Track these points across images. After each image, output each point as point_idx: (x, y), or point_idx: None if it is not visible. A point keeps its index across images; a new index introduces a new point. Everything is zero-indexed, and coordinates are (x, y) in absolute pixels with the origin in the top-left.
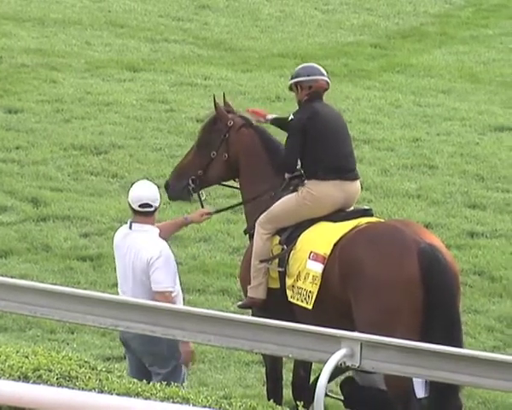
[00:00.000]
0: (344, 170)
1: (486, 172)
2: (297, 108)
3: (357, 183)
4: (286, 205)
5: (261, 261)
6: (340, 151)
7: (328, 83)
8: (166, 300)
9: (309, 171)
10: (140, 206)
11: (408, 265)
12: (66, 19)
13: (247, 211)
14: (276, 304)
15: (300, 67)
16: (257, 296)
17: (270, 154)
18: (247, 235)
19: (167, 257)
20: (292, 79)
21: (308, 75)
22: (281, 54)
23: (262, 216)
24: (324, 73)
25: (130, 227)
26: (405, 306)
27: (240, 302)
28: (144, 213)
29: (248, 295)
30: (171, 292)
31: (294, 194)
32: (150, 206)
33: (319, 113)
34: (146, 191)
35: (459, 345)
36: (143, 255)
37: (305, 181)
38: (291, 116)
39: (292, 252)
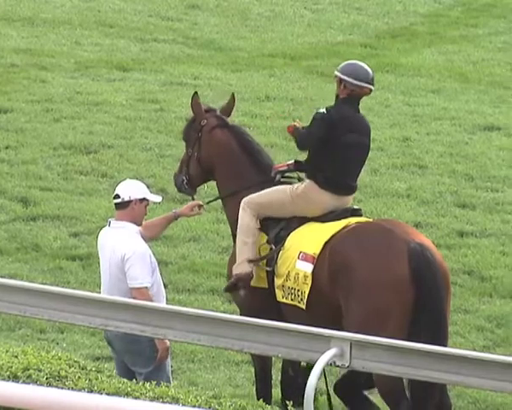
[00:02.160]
0: (344, 187)
1: (476, 171)
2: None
3: (353, 195)
4: (277, 194)
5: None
6: (349, 169)
7: (371, 90)
8: (143, 296)
9: (311, 171)
10: (113, 198)
11: (398, 264)
12: (56, 19)
13: (227, 211)
14: (263, 303)
15: (353, 64)
16: (242, 271)
17: (248, 153)
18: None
19: (142, 253)
20: (340, 72)
21: (356, 79)
22: (270, 54)
23: (250, 196)
24: (371, 80)
25: (109, 225)
26: (395, 305)
27: (225, 286)
28: (116, 206)
29: (234, 273)
30: (148, 288)
31: (289, 186)
32: (119, 196)
33: (349, 121)
34: (121, 185)
35: (443, 344)
36: (118, 252)
37: (305, 179)
38: (323, 109)
39: (280, 252)
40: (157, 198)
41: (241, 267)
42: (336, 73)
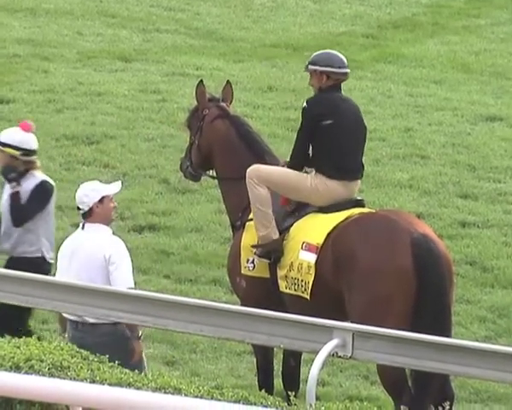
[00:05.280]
0: (350, 171)
1: (478, 162)
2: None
3: (359, 180)
4: (296, 177)
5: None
6: (351, 152)
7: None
8: None
9: (316, 164)
10: (77, 208)
11: (401, 255)
12: (58, 9)
13: (225, 199)
14: (264, 294)
15: (328, 54)
16: (270, 237)
17: (248, 144)
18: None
19: (126, 253)
20: (318, 65)
21: (339, 67)
22: (273, 44)
23: (257, 168)
24: (347, 64)
25: (83, 228)
26: (398, 296)
27: (256, 252)
28: (83, 217)
29: (261, 243)
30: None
31: (308, 175)
32: (79, 209)
33: (339, 107)
34: (77, 195)
35: (447, 335)
36: (99, 254)
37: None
38: (305, 104)
39: (284, 242)
40: (114, 188)
41: (267, 236)
42: (314, 67)
